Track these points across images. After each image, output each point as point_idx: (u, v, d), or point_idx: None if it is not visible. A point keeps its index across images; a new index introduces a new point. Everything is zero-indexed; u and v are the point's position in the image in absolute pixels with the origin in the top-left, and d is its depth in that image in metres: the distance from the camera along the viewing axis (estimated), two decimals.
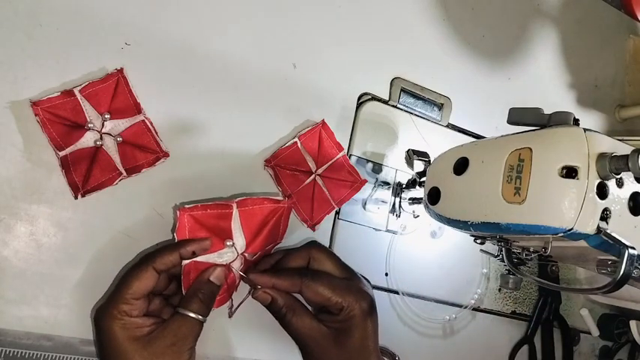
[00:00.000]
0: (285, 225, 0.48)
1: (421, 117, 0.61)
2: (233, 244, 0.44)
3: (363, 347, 0.44)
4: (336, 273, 0.47)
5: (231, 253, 0.45)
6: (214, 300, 0.43)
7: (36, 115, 0.42)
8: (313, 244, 0.49)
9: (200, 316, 0.41)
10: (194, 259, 0.43)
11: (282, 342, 0.47)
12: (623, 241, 0.35)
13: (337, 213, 0.55)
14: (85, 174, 0.44)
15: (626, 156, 0.34)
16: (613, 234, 0.35)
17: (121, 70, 0.46)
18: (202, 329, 0.42)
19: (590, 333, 0.68)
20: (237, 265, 0.45)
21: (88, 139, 0.44)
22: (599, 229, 0.35)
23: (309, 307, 0.46)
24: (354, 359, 0.44)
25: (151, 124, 0.47)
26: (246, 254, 0.46)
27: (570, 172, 0.36)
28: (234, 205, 0.44)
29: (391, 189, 0.58)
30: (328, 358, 0.44)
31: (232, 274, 0.45)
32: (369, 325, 0.45)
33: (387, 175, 0.58)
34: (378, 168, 0.58)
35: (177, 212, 0.43)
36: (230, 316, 0.47)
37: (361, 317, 0.44)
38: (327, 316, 0.45)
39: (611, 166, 0.35)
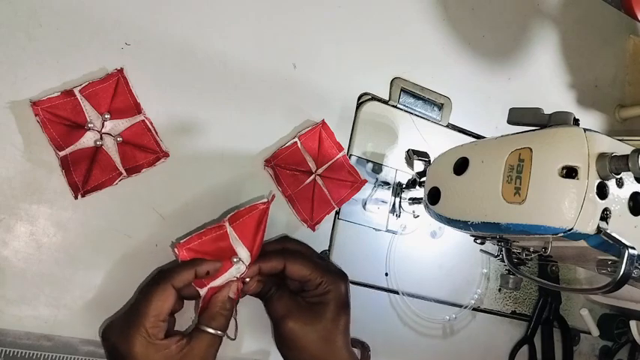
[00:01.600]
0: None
1: (421, 117, 0.61)
2: (239, 259, 0.45)
3: (334, 322, 0.45)
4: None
5: (240, 267, 0.45)
6: (232, 314, 0.45)
7: (36, 115, 0.42)
8: (286, 238, 0.50)
9: (220, 332, 0.43)
10: (210, 285, 0.44)
11: None
12: (623, 241, 0.35)
13: (337, 213, 0.55)
14: (85, 174, 0.44)
15: (626, 156, 0.34)
16: (613, 234, 0.35)
17: (121, 70, 0.46)
18: None
19: (590, 333, 0.68)
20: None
21: (88, 139, 0.44)
22: (599, 229, 0.35)
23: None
24: (326, 336, 0.45)
25: (151, 124, 0.47)
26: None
27: (570, 172, 0.36)
28: (227, 224, 0.45)
29: (391, 189, 0.58)
30: (302, 333, 0.45)
31: (240, 283, 0.46)
32: (343, 302, 0.46)
33: (387, 175, 0.58)
34: (378, 168, 0.58)
35: (175, 249, 0.43)
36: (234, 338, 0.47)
37: (336, 293, 0.46)
38: (304, 293, 0.47)
39: (611, 166, 0.35)
